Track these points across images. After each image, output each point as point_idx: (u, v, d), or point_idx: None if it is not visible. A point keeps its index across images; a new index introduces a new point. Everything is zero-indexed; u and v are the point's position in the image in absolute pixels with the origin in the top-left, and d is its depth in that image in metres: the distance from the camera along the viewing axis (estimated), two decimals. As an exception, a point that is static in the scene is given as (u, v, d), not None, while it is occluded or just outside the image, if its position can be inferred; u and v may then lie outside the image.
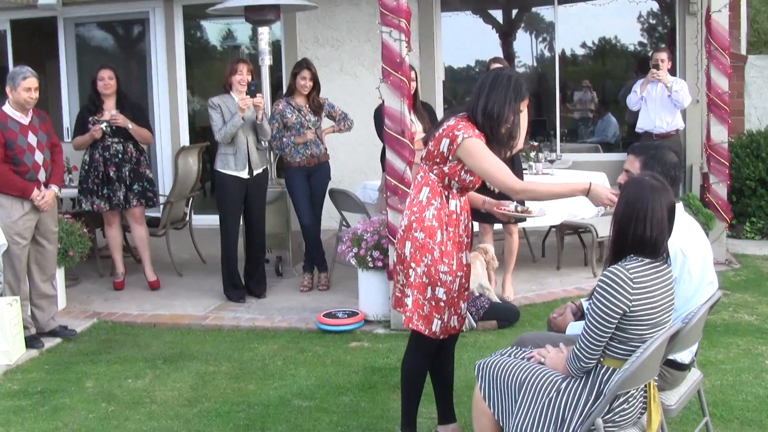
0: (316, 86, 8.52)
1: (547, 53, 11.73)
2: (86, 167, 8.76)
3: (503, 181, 4.48)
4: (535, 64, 12.35)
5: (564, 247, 9.29)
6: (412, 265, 4.57)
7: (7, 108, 6.94)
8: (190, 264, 9.91)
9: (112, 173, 8.66)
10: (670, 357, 4.16)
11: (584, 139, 12.49)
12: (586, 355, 3.71)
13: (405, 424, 4.84)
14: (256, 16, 9.03)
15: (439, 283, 4.57)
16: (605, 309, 3.61)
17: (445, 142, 4.48)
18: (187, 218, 10.00)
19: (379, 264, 7.28)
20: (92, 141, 8.63)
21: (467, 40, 12.02)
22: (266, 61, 9.18)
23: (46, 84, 13.45)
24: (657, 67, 9.70)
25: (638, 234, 3.69)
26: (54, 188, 7.13)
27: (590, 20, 11.81)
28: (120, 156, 8.69)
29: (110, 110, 8.61)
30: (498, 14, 12.27)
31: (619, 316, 3.61)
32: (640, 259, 3.70)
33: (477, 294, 7.33)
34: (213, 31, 13.37)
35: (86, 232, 8.46)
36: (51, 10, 12.32)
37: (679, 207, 4.37)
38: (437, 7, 11.57)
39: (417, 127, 7.98)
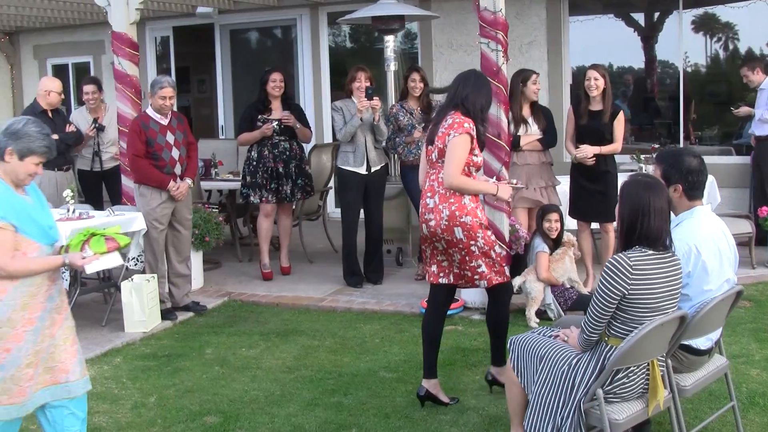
0: (426, 87, 9.16)
1: (678, 57, 11.95)
2: (254, 163, 9.44)
3: (452, 170, 5.46)
4: (668, 66, 12.51)
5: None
6: (471, 243, 5.52)
7: (150, 111, 7.94)
8: (323, 253, 10.76)
9: (281, 169, 9.41)
10: (686, 342, 4.67)
11: (730, 141, 12.56)
12: (589, 329, 4.30)
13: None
14: (382, 25, 9.78)
15: (495, 244, 5.64)
16: (606, 290, 4.19)
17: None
18: (321, 211, 10.85)
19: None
20: (260, 138, 9.35)
21: (597, 44, 12.35)
22: (392, 67, 9.95)
23: (211, 83, 14.66)
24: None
25: (644, 227, 4.26)
26: (188, 181, 8.08)
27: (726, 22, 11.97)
28: (287, 153, 9.45)
29: (278, 110, 9.36)
30: (621, 20, 12.54)
31: (618, 297, 4.17)
32: (643, 249, 4.26)
33: (568, 286, 7.86)
34: (356, 35, 14.18)
35: (222, 220, 9.41)
36: (208, 18, 13.48)
37: (707, 208, 4.90)
38: (565, 13, 12.01)
39: (532, 129, 8.53)
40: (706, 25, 11.88)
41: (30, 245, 4.37)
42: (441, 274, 5.71)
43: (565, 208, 8.54)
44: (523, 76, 8.41)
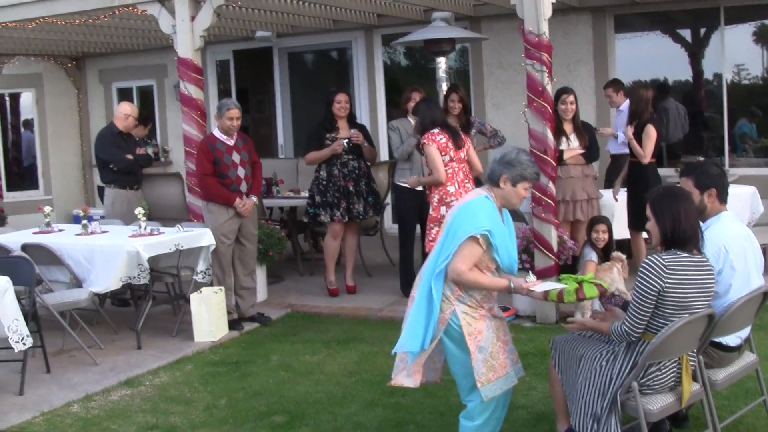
0: (465, 107, 9.47)
1: (716, 73, 12.25)
2: (324, 182, 9.67)
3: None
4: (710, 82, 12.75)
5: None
6: None
7: (216, 132, 8.46)
8: (380, 266, 11.23)
9: (351, 188, 9.69)
10: (716, 339, 5.04)
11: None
12: (630, 323, 4.64)
13: None
14: (434, 47, 10.24)
15: None
16: (643, 288, 4.56)
17: None
18: (378, 226, 11.27)
19: (527, 266, 8.28)
20: (328, 157, 9.59)
21: (643, 60, 12.65)
22: (443, 87, 10.37)
23: (269, 104, 15.19)
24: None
25: (684, 232, 4.65)
26: (253, 198, 8.57)
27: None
28: (357, 172, 9.74)
29: (345, 129, 9.63)
30: (665, 36, 12.80)
31: (655, 294, 4.53)
32: (677, 252, 4.64)
33: (616, 295, 8.17)
34: (411, 53, 14.59)
35: (283, 235, 9.88)
36: (267, 41, 14.03)
37: (732, 214, 5.28)
38: (611, 30, 12.35)
39: (573, 144, 8.90)
40: (763, 38, 12.14)
41: (491, 266, 4.92)
42: None
43: (617, 220, 8.95)
44: (556, 95, 8.79)
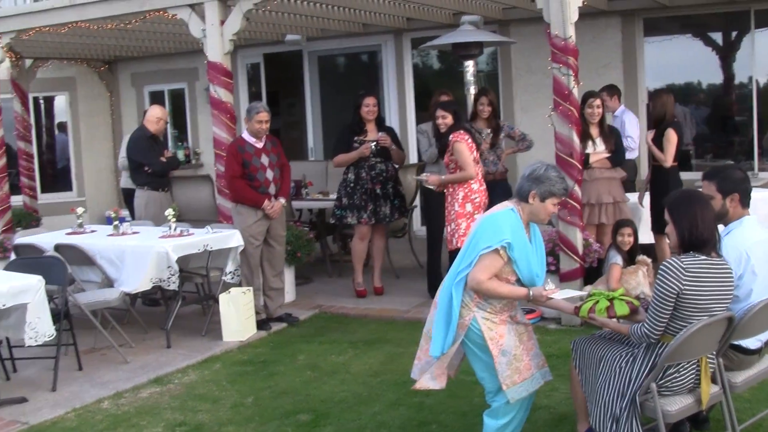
0: (494, 110, 9.57)
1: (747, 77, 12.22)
2: (351, 185, 9.75)
3: None
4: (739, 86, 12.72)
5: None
6: None
7: (245, 135, 8.57)
8: (408, 268, 11.29)
9: (378, 190, 9.75)
10: (736, 342, 5.07)
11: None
12: (649, 325, 4.67)
13: None
14: (463, 51, 10.30)
15: None
16: (662, 290, 4.60)
17: None
18: (407, 228, 11.33)
19: (552, 268, 8.31)
20: (356, 160, 9.66)
21: (673, 64, 12.64)
22: (471, 90, 10.46)
23: (300, 107, 15.31)
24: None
25: (701, 234, 4.69)
26: (281, 200, 8.67)
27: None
28: (384, 175, 9.80)
29: (373, 132, 9.69)
30: (695, 40, 12.79)
31: (674, 296, 4.57)
32: (696, 255, 4.68)
33: (641, 298, 8.20)
34: (440, 56, 14.66)
35: (312, 237, 9.97)
36: (297, 45, 14.17)
37: (754, 218, 5.31)
38: (640, 34, 12.35)
39: (599, 148, 8.94)
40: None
41: (510, 278, 4.97)
42: None
43: (644, 223, 9.00)
44: (582, 99, 8.80)
